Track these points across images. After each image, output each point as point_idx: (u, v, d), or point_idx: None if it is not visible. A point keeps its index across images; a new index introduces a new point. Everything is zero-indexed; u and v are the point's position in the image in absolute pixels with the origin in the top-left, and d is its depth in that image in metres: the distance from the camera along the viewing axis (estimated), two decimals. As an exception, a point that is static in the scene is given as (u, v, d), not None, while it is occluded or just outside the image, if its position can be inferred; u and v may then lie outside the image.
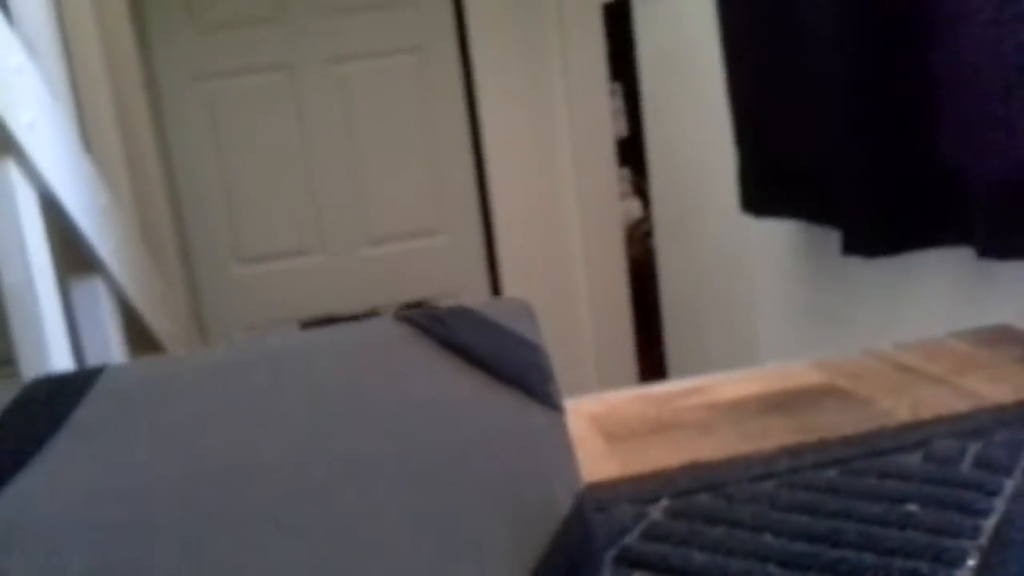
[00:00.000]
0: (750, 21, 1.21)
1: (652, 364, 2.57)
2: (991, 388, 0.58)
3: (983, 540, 0.42)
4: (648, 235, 3.00)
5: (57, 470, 0.40)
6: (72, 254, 1.39)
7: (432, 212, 2.65)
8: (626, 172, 2.94)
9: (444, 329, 0.42)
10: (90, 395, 0.42)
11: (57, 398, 0.42)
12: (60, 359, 1.19)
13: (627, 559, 0.45)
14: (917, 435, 0.53)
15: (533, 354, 0.42)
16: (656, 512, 0.49)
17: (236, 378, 0.41)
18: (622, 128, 2.81)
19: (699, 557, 0.44)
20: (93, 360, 1.38)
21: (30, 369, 1.15)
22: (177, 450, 0.40)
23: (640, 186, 3.07)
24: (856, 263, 1.19)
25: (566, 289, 2.64)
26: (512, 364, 0.42)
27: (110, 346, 1.40)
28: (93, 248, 1.37)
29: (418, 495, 0.39)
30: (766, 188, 1.26)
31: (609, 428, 0.62)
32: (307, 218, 2.59)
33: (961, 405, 0.57)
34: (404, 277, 2.66)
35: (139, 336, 1.64)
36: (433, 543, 0.39)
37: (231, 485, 0.39)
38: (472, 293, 2.69)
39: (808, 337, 1.42)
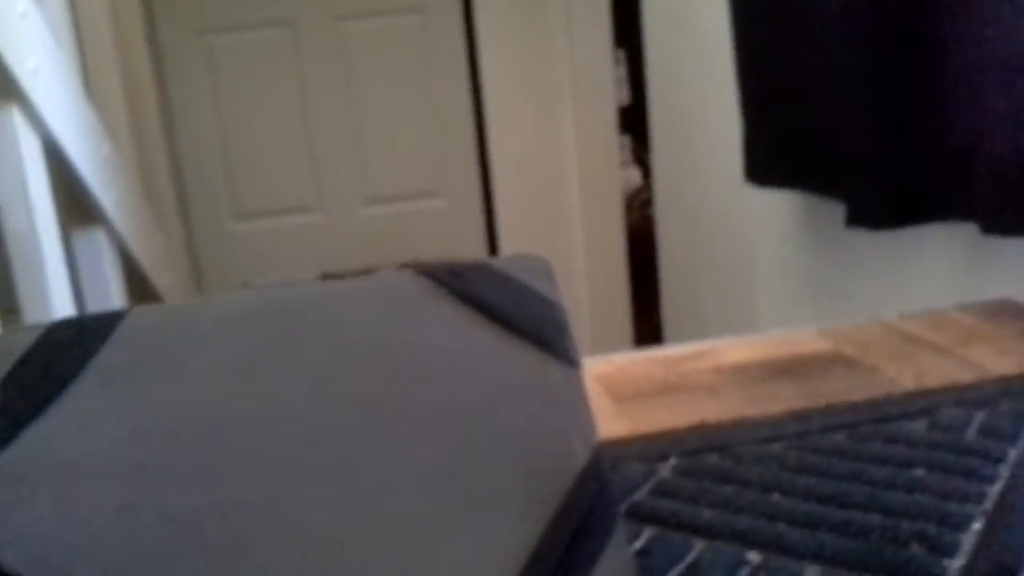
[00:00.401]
0: (762, -10, 1.21)
1: (648, 333, 2.58)
2: (996, 360, 0.59)
3: (988, 505, 0.43)
4: (647, 204, 3.00)
5: (80, 412, 0.41)
6: (74, 205, 1.39)
7: (431, 174, 2.65)
8: (627, 140, 2.94)
9: (463, 283, 0.43)
10: (112, 339, 0.42)
11: (79, 341, 0.42)
12: (62, 309, 1.20)
13: (637, 515, 0.45)
14: (923, 403, 0.54)
15: (551, 310, 0.43)
16: (665, 470, 0.49)
17: (258, 326, 0.42)
18: (624, 96, 2.80)
19: (708, 514, 0.45)
20: (94, 310, 1.38)
21: (33, 318, 1.15)
22: (199, 396, 0.41)
23: (640, 155, 3.07)
24: (858, 236, 1.19)
25: (564, 255, 2.64)
26: (530, 319, 0.42)
27: (111, 297, 1.40)
28: (96, 198, 1.36)
29: (436, 445, 0.40)
30: (771, 158, 1.26)
31: (616, 388, 0.62)
32: (305, 175, 2.59)
33: (966, 375, 0.57)
34: (401, 238, 2.66)
35: (138, 288, 1.64)
36: (449, 492, 0.39)
37: (253, 432, 0.40)
38: (469, 256, 2.69)
39: (808, 309, 1.43)
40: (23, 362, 0.42)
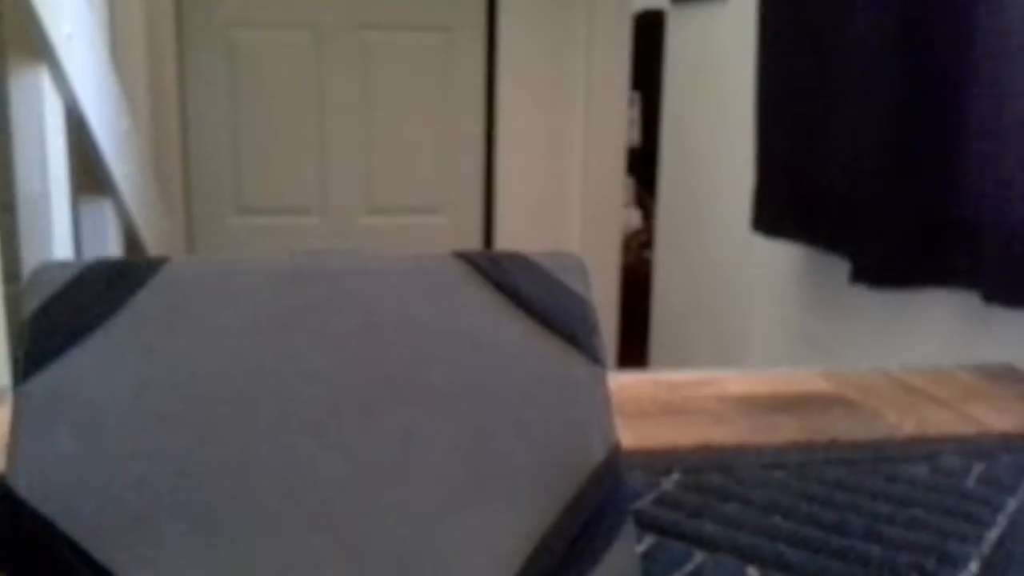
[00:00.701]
0: (790, 45, 1.23)
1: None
2: (996, 417, 0.60)
3: (986, 549, 0.44)
4: (644, 247, 3.02)
5: (108, 354, 0.41)
6: (86, 174, 1.39)
7: (436, 191, 2.66)
8: (631, 182, 2.96)
9: (499, 272, 0.44)
10: (150, 284, 0.43)
11: (116, 283, 0.43)
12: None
13: (639, 522, 0.46)
14: (924, 449, 0.54)
15: (582, 308, 0.44)
16: (668, 483, 0.50)
17: (294, 289, 0.42)
18: (635, 138, 2.83)
19: (710, 528, 0.45)
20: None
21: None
22: (228, 351, 0.41)
23: (642, 198, 3.10)
24: (856, 298, 1.21)
25: (557, 287, 2.64)
26: (561, 314, 0.43)
27: (111, 270, 1.40)
28: (109, 169, 1.37)
29: (458, 425, 0.40)
30: (780, 209, 1.27)
31: (621, 406, 0.63)
32: (311, 178, 2.60)
33: (966, 429, 0.58)
34: (399, 250, 2.66)
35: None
36: (464, 473, 0.40)
37: (280, 392, 0.40)
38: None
39: (797, 363, 1.44)
40: (57, 297, 0.43)
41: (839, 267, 1.17)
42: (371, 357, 0.41)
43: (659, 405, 0.63)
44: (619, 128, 2.62)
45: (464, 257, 0.45)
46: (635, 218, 3.06)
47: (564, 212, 2.63)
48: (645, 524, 0.46)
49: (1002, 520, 0.46)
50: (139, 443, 0.39)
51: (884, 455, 0.53)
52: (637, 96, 2.80)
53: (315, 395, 0.40)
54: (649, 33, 2.57)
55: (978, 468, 0.52)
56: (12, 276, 1.20)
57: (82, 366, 0.41)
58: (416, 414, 0.40)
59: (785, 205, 1.26)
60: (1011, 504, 0.48)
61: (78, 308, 0.42)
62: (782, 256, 1.44)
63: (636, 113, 2.82)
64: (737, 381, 0.68)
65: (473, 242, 2.72)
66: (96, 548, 0.36)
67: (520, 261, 0.45)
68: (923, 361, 1.08)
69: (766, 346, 1.56)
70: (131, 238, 1.55)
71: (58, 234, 1.19)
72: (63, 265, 0.44)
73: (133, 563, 0.36)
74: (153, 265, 0.44)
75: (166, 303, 0.42)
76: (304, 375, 0.41)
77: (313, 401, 0.40)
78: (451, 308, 0.43)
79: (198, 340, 0.41)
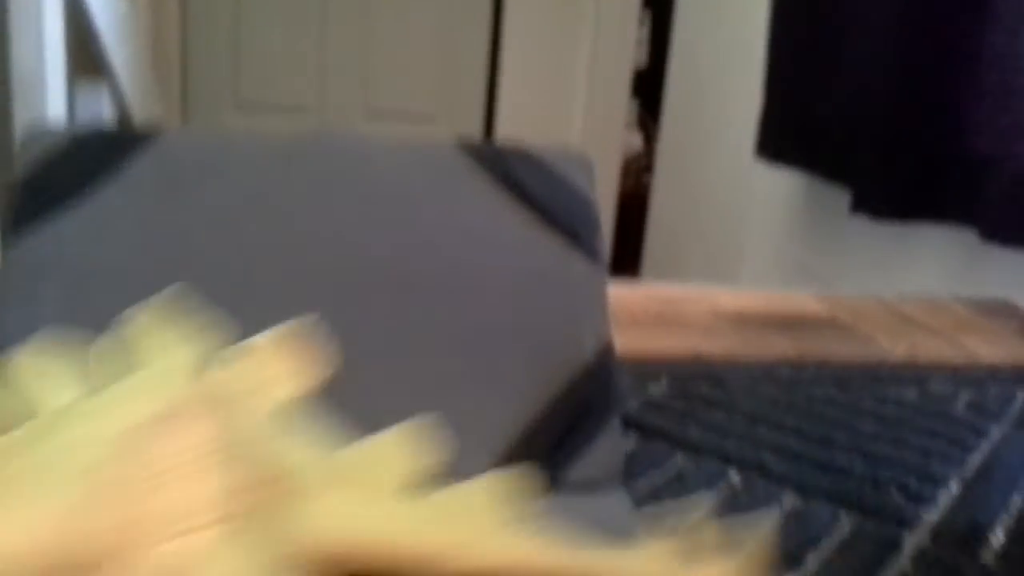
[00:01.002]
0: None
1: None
2: (988, 350, 0.60)
3: (967, 472, 0.44)
4: (644, 171, 2.99)
5: (100, 220, 0.40)
6: (82, 56, 1.36)
7: (436, 98, 2.62)
8: (635, 105, 2.92)
9: (503, 165, 0.43)
10: (145, 154, 0.42)
11: (111, 150, 0.42)
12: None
13: (624, 424, 0.46)
14: (914, 373, 0.54)
15: (585, 206, 0.43)
16: (656, 389, 0.50)
17: (293, 164, 0.42)
18: (642, 59, 2.79)
19: (695, 433, 0.45)
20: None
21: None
22: (222, 222, 0.40)
23: (645, 121, 3.06)
24: (853, 231, 1.20)
25: (553, 205, 2.63)
26: (563, 211, 0.42)
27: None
28: (105, 52, 1.34)
29: (449, 313, 0.40)
30: (785, 136, 1.26)
31: (613, 314, 0.62)
32: (311, 77, 2.56)
33: (957, 357, 0.58)
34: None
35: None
36: (455, 358, 0.40)
37: (269, 267, 0.40)
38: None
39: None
40: (50, 162, 0.42)
41: (839, 199, 1.17)
42: (368, 241, 0.41)
43: (651, 316, 0.63)
44: (627, 47, 2.58)
45: (467, 146, 0.44)
46: (636, 141, 3.03)
47: (565, 131, 2.60)
48: (630, 426, 0.45)
49: (986, 446, 0.47)
50: (126, 311, 0.39)
51: (874, 376, 0.53)
52: (648, 15, 2.74)
53: (310, 275, 0.40)
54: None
55: (966, 395, 0.52)
56: (6, 155, 1.19)
57: (72, 232, 0.40)
58: (411, 300, 0.40)
59: (790, 132, 1.25)
60: (996, 431, 0.48)
61: (69, 174, 0.41)
62: (783, 185, 1.43)
63: (645, 33, 2.77)
64: (731, 298, 0.67)
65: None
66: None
67: (524, 154, 0.44)
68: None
69: (760, 274, 1.56)
70: (125, 123, 1.53)
71: (52, 115, 1.17)
72: (56, 131, 0.43)
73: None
74: (148, 135, 0.43)
75: (160, 174, 0.41)
76: (300, 255, 0.40)
77: (307, 282, 0.40)
78: (452, 197, 0.42)
79: (192, 213, 0.41)
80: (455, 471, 0.37)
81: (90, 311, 0.38)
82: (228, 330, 0.36)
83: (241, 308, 0.38)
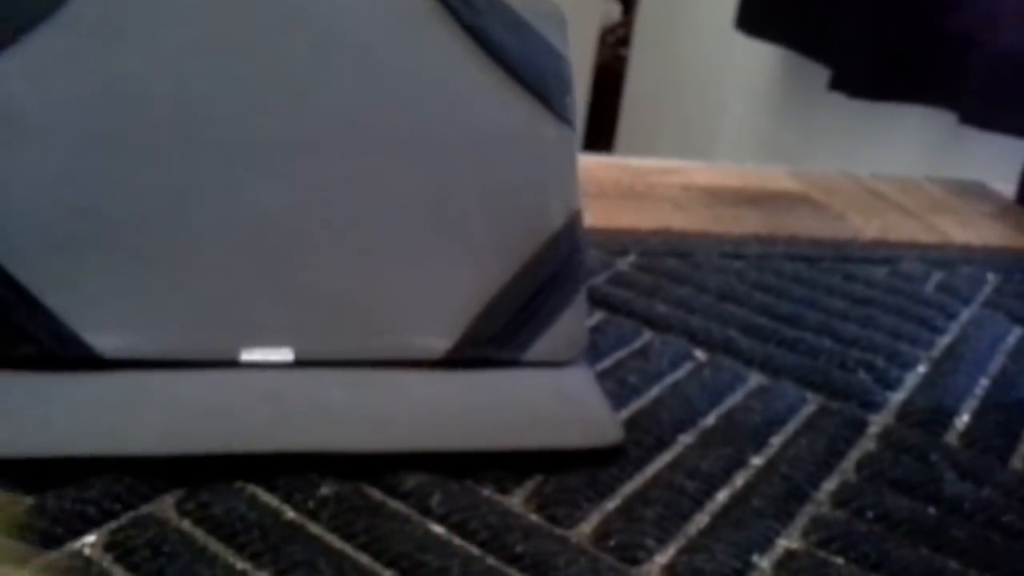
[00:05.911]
0: None
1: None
2: (960, 231, 0.59)
3: (936, 353, 0.43)
4: (621, 43, 2.92)
5: (40, 61, 0.37)
6: None
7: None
8: (614, -28, 2.83)
9: (472, 14, 0.40)
10: (84, -8, 0.38)
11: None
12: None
13: (591, 298, 0.44)
14: (885, 252, 0.53)
15: (557, 63, 0.40)
16: (624, 264, 0.49)
17: (245, 8, 0.38)
18: (623, -77, 2.68)
19: (662, 308, 0.44)
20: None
21: None
22: (171, 67, 0.38)
23: (623, -10, 2.97)
24: (829, 110, 1.18)
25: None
26: (534, 68, 0.40)
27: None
28: None
29: (414, 175, 0.38)
30: (766, 8, 1.22)
31: (582, 185, 0.61)
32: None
33: (929, 238, 0.57)
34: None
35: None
36: (419, 226, 0.38)
37: (226, 119, 0.37)
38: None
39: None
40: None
41: (817, 77, 1.13)
42: (324, 90, 0.38)
43: (622, 189, 0.61)
44: (608, -89, 2.48)
45: (436, -7, 0.40)
46: (615, 11, 2.95)
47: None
48: (597, 301, 0.44)
49: (955, 327, 0.46)
50: (71, 164, 0.36)
51: (845, 255, 0.52)
52: None
53: (263, 126, 0.37)
54: None
55: (937, 276, 0.51)
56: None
57: (10, 74, 0.37)
58: (371, 158, 0.38)
59: (772, 5, 1.21)
60: (965, 313, 0.47)
61: (6, 10, 0.38)
62: (761, 60, 1.39)
63: None
64: (703, 172, 0.65)
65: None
66: (15, 267, 0.34)
67: (495, 5, 0.41)
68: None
69: (735, 150, 1.54)
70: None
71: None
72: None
73: (53, 286, 0.34)
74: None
75: (104, 13, 0.38)
76: (252, 103, 0.37)
77: (260, 132, 0.37)
78: (415, 46, 0.39)
79: (139, 57, 0.38)
80: (415, 348, 0.36)
81: (31, 167, 0.36)
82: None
83: (190, 163, 0.36)
